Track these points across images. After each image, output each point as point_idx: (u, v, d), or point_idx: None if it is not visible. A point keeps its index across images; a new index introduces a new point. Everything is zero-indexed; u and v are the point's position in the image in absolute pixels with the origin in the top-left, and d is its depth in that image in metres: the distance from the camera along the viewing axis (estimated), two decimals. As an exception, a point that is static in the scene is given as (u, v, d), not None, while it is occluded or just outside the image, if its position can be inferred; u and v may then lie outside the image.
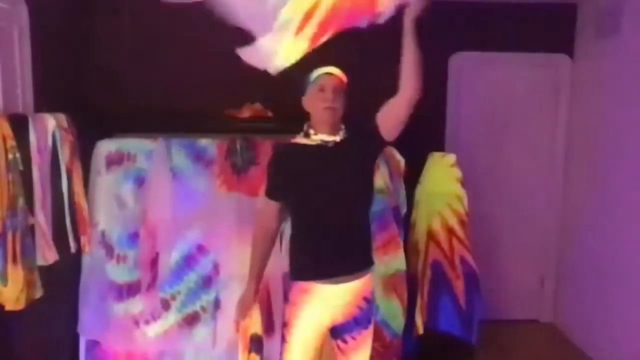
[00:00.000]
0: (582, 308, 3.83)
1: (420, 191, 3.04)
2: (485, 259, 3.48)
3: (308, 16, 1.88)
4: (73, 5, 3.57)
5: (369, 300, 2.14)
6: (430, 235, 2.94)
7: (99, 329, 2.85)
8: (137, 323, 2.83)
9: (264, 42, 1.91)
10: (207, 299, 2.84)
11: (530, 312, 4.29)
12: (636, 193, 3.20)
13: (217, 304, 2.83)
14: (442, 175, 3.00)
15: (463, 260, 2.89)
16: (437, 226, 2.93)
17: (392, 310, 2.88)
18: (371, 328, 2.18)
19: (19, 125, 2.41)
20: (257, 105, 3.48)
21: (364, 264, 2.14)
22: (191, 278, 2.84)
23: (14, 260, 2.33)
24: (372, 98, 2.04)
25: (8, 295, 2.33)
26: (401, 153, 2.92)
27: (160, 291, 2.82)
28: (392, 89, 2.01)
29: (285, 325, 2.15)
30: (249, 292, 2.23)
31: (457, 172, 2.97)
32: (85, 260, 2.89)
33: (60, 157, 2.65)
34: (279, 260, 2.52)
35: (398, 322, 2.89)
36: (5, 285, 2.30)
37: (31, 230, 2.47)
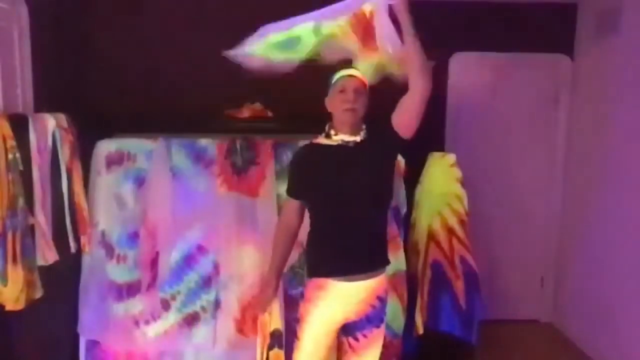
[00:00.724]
0: (582, 308, 3.83)
1: (420, 191, 3.04)
2: (485, 259, 3.48)
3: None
4: (73, 5, 3.57)
5: (382, 299, 2.16)
6: (430, 235, 2.94)
7: (99, 329, 2.85)
8: (137, 323, 2.83)
9: None
10: (207, 299, 2.83)
11: (530, 312, 4.29)
12: (636, 193, 3.20)
13: (217, 304, 2.83)
14: (442, 175, 2.99)
15: (463, 260, 2.89)
16: (437, 226, 2.93)
17: (392, 310, 2.87)
18: (383, 327, 2.20)
19: (19, 125, 2.41)
20: (257, 105, 3.48)
21: (379, 263, 2.17)
22: (191, 278, 2.84)
23: (14, 260, 2.33)
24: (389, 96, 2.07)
25: (8, 295, 2.33)
26: (401, 153, 2.92)
27: (160, 291, 2.82)
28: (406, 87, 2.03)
29: (298, 321, 2.18)
30: (269, 288, 2.27)
31: (457, 172, 2.97)
32: (85, 260, 2.89)
33: (60, 157, 2.65)
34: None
35: (398, 322, 2.89)
36: (5, 285, 2.31)
37: (31, 230, 2.47)
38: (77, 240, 2.77)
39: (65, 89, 3.33)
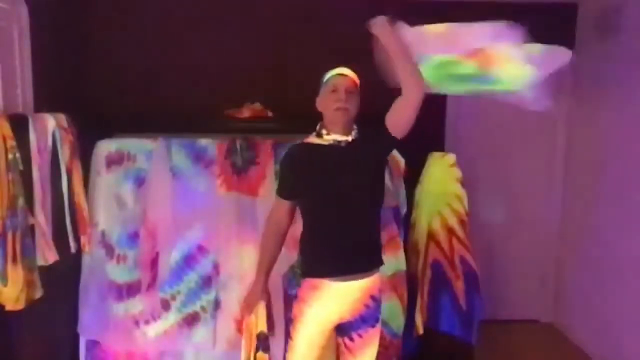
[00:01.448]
0: (582, 308, 3.83)
1: (420, 191, 3.04)
2: (485, 259, 3.48)
3: None
4: (73, 5, 3.57)
5: (376, 299, 2.16)
6: (430, 235, 2.94)
7: (99, 329, 2.85)
8: (137, 323, 2.82)
9: None
10: (207, 299, 2.83)
11: (530, 312, 4.29)
12: (636, 193, 3.20)
13: (217, 304, 2.83)
14: (442, 175, 2.99)
15: (463, 260, 2.89)
16: (437, 226, 2.93)
17: (392, 310, 2.87)
18: (378, 327, 2.20)
19: (19, 125, 2.41)
20: (257, 105, 3.48)
21: (373, 263, 2.16)
22: (191, 278, 2.84)
23: (14, 260, 2.33)
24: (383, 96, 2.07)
25: (8, 295, 2.33)
26: (401, 153, 2.92)
27: (160, 291, 2.82)
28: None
29: (291, 321, 2.18)
30: (255, 289, 2.26)
31: (457, 172, 2.97)
32: (85, 260, 2.89)
33: (60, 157, 2.65)
34: (279, 262, 2.52)
35: (398, 322, 2.89)
36: (5, 285, 2.30)
37: (31, 230, 2.46)
38: (77, 240, 2.77)
39: (65, 89, 3.32)
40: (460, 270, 2.87)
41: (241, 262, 2.82)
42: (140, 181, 2.85)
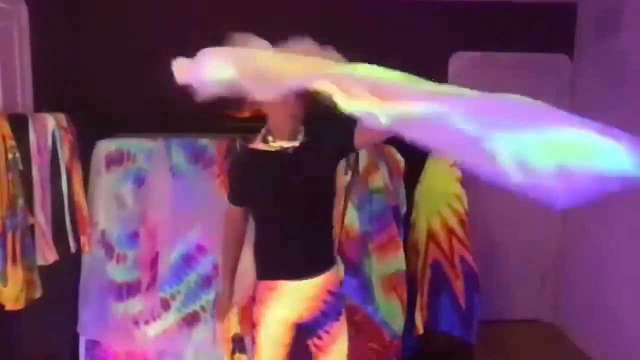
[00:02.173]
0: (582, 308, 3.83)
1: (420, 191, 3.04)
2: (485, 259, 3.48)
3: None
4: (73, 5, 3.57)
5: (334, 294, 2.15)
6: (430, 235, 2.94)
7: (99, 329, 2.85)
8: (137, 323, 2.83)
9: None
10: (207, 299, 2.84)
11: (530, 312, 4.29)
12: (637, 192, 3.20)
13: (217, 304, 2.84)
14: (442, 175, 2.99)
15: (463, 260, 2.89)
16: (437, 226, 2.93)
17: (392, 310, 2.88)
18: (343, 320, 2.18)
19: (19, 125, 2.41)
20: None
21: (325, 264, 2.16)
22: (191, 278, 2.84)
23: (14, 260, 2.34)
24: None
25: (8, 295, 2.33)
26: (401, 153, 2.92)
27: (160, 291, 2.82)
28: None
29: (254, 326, 2.16)
30: (225, 295, 2.26)
31: (457, 172, 2.97)
32: (85, 260, 2.89)
33: (60, 157, 2.65)
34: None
35: (398, 322, 2.89)
36: (5, 285, 2.31)
37: (31, 230, 2.47)
38: (77, 240, 2.77)
39: (65, 89, 3.32)
40: (460, 270, 2.88)
41: (241, 262, 2.81)
42: (140, 181, 2.85)
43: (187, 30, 3.73)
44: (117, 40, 3.71)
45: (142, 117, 3.27)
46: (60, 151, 2.64)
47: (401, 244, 2.93)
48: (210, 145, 2.90)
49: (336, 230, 2.67)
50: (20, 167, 2.36)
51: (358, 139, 1.96)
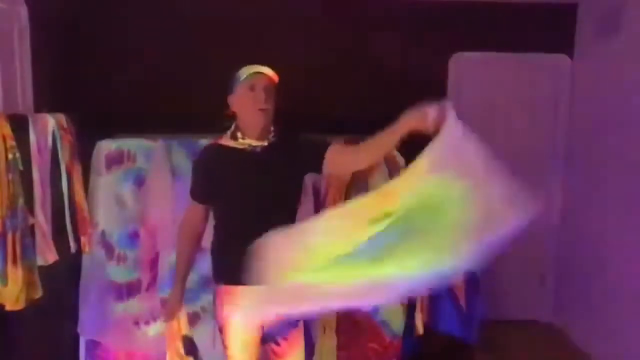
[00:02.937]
0: (582, 308, 3.83)
1: (420, 191, 3.03)
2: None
3: None
4: (73, 5, 3.57)
5: None
6: (430, 235, 2.94)
7: (99, 329, 2.85)
8: (137, 323, 2.83)
9: None
10: (207, 299, 2.83)
11: (530, 312, 4.29)
12: (636, 193, 3.20)
13: (217, 304, 2.83)
14: (442, 175, 2.99)
15: (463, 260, 2.89)
16: (437, 226, 2.92)
17: (392, 310, 2.88)
18: (301, 326, 2.17)
19: (19, 125, 2.41)
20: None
21: None
22: (191, 278, 2.83)
23: (14, 260, 2.33)
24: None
25: (8, 295, 2.33)
26: (401, 153, 2.92)
27: (160, 291, 2.82)
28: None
29: (221, 330, 2.11)
30: (175, 295, 2.19)
31: (457, 172, 2.97)
32: (85, 260, 2.88)
33: (60, 157, 2.65)
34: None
35: (398, 322, 2.89)
36: (5, 285, 2.31)
37: (31, 230, 2.47)
38: (77, 240, 2.77)
39: (65, 89, 3.32)
40: (460, 270, 2.87)
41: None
42: (140, 181, 2.85)
43: (187, 30, 3.74)
44: (117, 41, 3.72)
45: (142, 117, 3.28)
46: (60, 151, 2.64)
47: (401, 244, 2.92)
48: (210, 145, 2.89)
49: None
50: (20, 167, 2.36)
51: (330, 156, 1.97)
